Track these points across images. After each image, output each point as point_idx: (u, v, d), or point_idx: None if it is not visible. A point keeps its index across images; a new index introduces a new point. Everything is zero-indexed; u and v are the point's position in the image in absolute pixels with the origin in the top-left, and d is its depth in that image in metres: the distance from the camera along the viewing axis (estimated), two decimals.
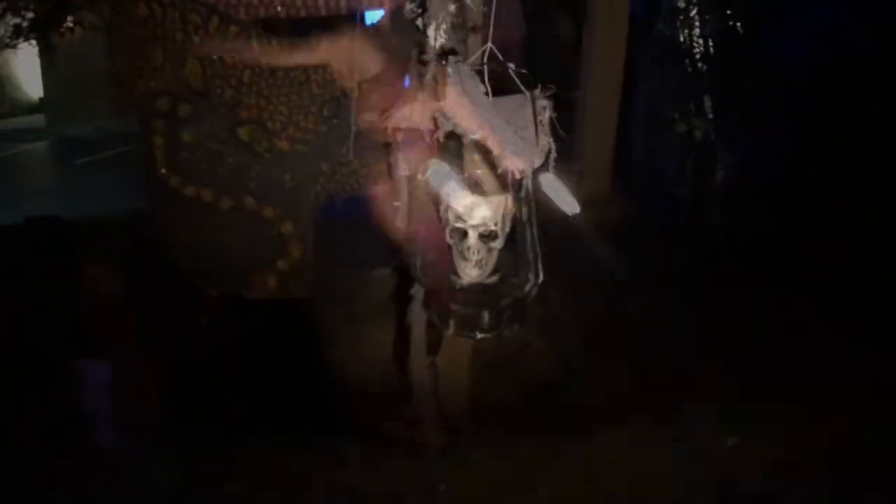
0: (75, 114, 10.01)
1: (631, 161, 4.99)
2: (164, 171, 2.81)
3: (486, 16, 2.38)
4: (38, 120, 11.27)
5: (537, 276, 1.99)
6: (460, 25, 2.13)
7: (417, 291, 2.04)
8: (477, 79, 1.82)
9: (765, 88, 4.93)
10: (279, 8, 2.71)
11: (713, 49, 4.49)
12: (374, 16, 2.81)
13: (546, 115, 1.92)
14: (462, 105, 1.78)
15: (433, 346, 2.38)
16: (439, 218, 1.97)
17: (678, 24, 4.47)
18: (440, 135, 1.91)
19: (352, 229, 2.97)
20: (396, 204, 2.45)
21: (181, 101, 2.76)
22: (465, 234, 1.91)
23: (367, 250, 3.08)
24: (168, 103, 2.75)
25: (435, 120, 1.93)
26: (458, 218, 1.91)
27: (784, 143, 4.85)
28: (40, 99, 11.75)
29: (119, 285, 3.14)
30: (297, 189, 2.89)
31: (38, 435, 2.77)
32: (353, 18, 2.75)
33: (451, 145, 1.87)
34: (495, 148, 1.82)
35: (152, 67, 2.71)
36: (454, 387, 2.48)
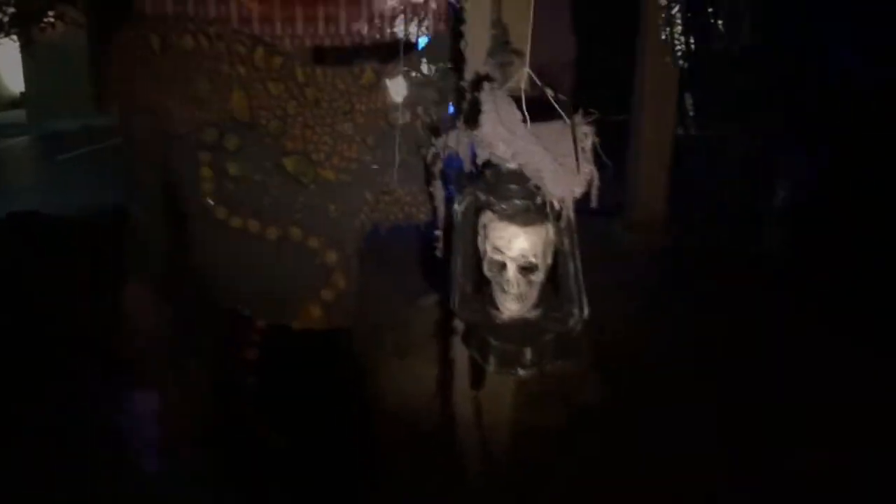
0: (57, 109, 10.07)
1: (684, 183, 4.84)
2: (210, 202, 2.82)
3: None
4: (20, 115, 11.35)
5: (582, 310, 1.88)
6: (501, 49, 2.07)
7: (459, 325, 1.96)
8: (514, 105, 1.75)
9: (828, 105, 4.73)
10: (324, 38, 2.70)
11: (772, 63, 4.33)
12: (419, 42, 2.78)
13: (588, 142, 1.83)
14: (498, 133, 1.71)
15: (476, 381, 2.29)
16: (476, 249, 1.89)
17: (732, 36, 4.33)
18: (478, 163, 1.85)
19: (396, 258, 2.93)
20: (437, 233, 2.39)
21: (227, 132, 2.77)
22: (503, 266, 1.83)
23: (411, 280, 3.03)
24: (214, 134, 2.77)
25: (473, 148, 1.87)
26: (496, 249, 1.83)
27: (848, 162, 4.64)
28: (21, 94, 11.86)
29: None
30: (341, 219, 2.86)
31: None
32: (397, 45, 2.74)
33: (489, 174, 1.80)
34: (534, 177, 1.74)
35: (199, 99, 2.73)
36: (498, 421, 2.38)
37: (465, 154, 2.00)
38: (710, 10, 4.25)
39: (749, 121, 4.54)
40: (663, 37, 4.27)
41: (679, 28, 3.80)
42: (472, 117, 1.85)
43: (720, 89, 4.81)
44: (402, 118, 2.74)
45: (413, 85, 2.71)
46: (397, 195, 2.83)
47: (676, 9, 2.93)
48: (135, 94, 2.73)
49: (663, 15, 3.09)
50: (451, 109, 2.56)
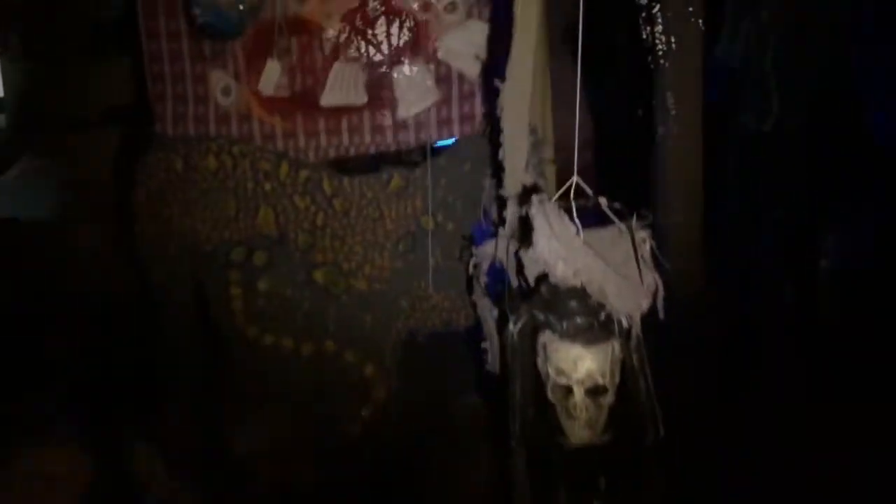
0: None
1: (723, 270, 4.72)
2: (241, 322, 2.75)
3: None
4: None
5: (657, 431, 1.75)
6: (538, 154, 2.01)
7: (519, 452, 1.82)
8: (565, 217, 1.68)
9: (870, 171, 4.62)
10: (349, 147, 2.66)
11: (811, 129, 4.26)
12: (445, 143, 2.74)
13: (647, 248, 1.74)
14: (554, 251, 1.63)
15: None
16: (537, 371, 1.78)
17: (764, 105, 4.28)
18: (530, 279, 1.76)
19: (436, 366, 2.82)
20: (484, 345, 2.29)
21: (255, 249, 2.72)
22: (569, 390, 1.71)
23: (452, 385, 2.90)
24: (243, 252, 2.72)
25: (520, 260, 1.78)
26: (560, 372, 1.71)
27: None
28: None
29: None
30: (377, 329, 2.77)
31: None
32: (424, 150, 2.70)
33: (545, 290, 1.71)
34: (597, 294, 1.64)
35: (225, 218, 2.69)
36: None
37: (512, 267, 1.91)
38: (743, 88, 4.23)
39: (787, 197, 4.45)
40: (644, 36, 4.15)
41: (660, 27, 3.71)
42: (524, 235, 1.76)
43: (753, 168, 4.73)
44: (434, 222, 2.68)
45: (444, 187, 2.66)
46: (434, 301, 2.74)
47: (657, 8, 2.87)
48: (160, 215, 2.69)
49: (643, 14, 3.03)
50: (484, 222, 2.50)
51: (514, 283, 1.91)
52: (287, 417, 2.78)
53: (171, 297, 2.76)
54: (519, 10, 1.93)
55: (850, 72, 4.25)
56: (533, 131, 2.04)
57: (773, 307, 4.47)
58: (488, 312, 2.24)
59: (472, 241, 2.47)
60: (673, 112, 3.32)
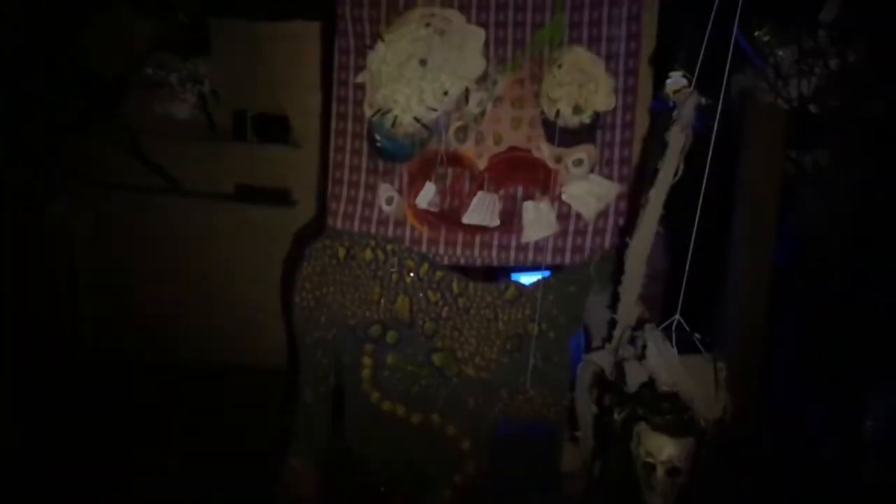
0: None
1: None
2: (367, 387, 3.32)
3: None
4: None
5: None
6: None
7: None
8: (669, 342, 2.25)
9: None
10: (478, 259, 3.29)
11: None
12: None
13: (723, 376, 2.29)
14: (660, 365, 2.20)
15: None
16: (630, 451, 2.31)
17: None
18: (633, 385, 2.31)
19: (525, 452, 3.31)
20: (577, 434, 2.80)
21: (389, 328, 3.31)
22: (653, 468, 2.23)
23: (537, 473, 3.38)
24: (379, 330, 3.31)
25: (622, 370, 2.33)
26: (649, 454, 2.24)
27: None
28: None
29: None
30: (477, 411, 3.30)
31: None
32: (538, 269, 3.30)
33: (646, 393, 2.25)
34: (686, 399, 2.19)
35: (370, 301, 3.31)
36: None
37: (618, 374, 2.47)
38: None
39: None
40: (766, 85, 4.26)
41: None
42: (641, 351, 2.35)
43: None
44: (538, 329, 3.26)
45: (550, 302, 3.25)
46: (529, 395, 3.27)
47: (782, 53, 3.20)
48: (318, 290, 3.33)
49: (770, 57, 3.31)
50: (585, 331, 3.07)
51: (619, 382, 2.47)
52: (392, 473, 3.30)
53: (313, 355, 3.36)
54: (656, 184, 2.57)
55: None
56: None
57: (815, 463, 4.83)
58: (587, 407, 2.77)
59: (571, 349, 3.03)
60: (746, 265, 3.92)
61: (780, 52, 3.41)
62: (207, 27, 5.98)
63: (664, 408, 2.25)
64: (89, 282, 6.11)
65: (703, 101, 2.60)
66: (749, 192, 5.27)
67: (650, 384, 2.30)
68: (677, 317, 2.33)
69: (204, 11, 5.99)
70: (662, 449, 2.24)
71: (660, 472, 2.24)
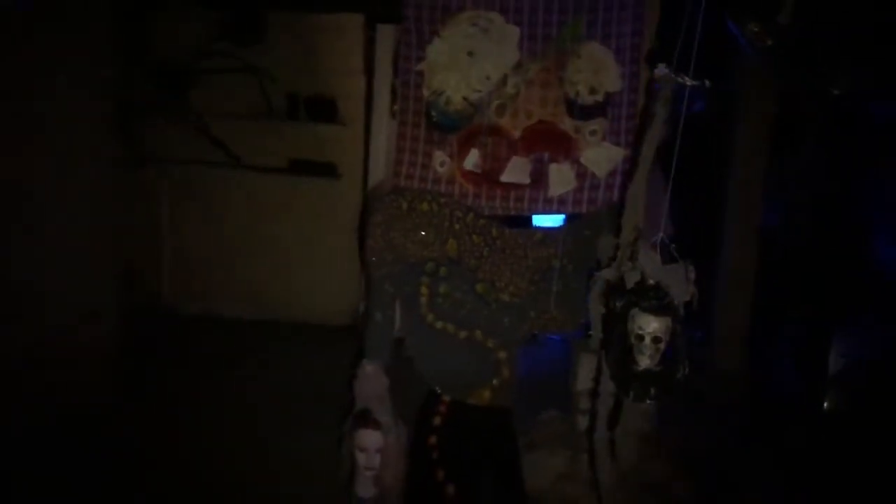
0: None
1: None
2: (424, 311, 4.20)
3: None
4: None
5: (684, 367, 3.22)
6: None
7: (612, 372, 3.32)
8: (654, 251, 3.19)
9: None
10: (513, 209, 4.17)
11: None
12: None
13: (692, 275, 3.25)
14: (647, 268, 3.15)
15: (613, 421, 3.57)
16: (626, 330, 3.25)
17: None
18: (629, 284, 3.28)
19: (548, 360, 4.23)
20: (591, 333, 3.71)
21: (441, 265, 4.16)
22: (642, 338, 3.19)
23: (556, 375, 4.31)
24: (433, 267, 4.15)
25: (622, 278, 3.30)
26: (639, 328, 3.19)
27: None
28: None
29: None
30: (511, 327, 4.17)
31: None
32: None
33: (636, 286, 3.21)
34: (665, 287, 3.15)
35: (426, 243, 4.17)
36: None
37: (618, 278, 3.42)
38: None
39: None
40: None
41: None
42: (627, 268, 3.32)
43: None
44: (560, 263, 4.14)
45: (570, 243, 4.14)
46: (553, 315, 4.15)
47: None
48: (386, 235, 4.19)
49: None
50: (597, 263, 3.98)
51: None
52: (443, 377, 4.20)
53: (382, 286, 4.24)
54: (645, 145, 3.48)
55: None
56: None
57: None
58: (597, 310, 3.69)
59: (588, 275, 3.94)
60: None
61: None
62: (264, 19, 6.90)
63: (650, 295, 3.21)
64: (170, 240, 7.03)
65: (690, 82, 3.49)
66: (739, 167, 6.21)
67: (641, 281, 3.24)
68: (661, 234, 3.26)
69: (260, 4, 6.91)
70: (649, 324, 3.21)
71: (647, 340, 3.22)
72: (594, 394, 3.80)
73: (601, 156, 4.00)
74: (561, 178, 4.07)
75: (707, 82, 3.47)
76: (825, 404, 5.80)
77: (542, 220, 4.31)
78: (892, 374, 5.55)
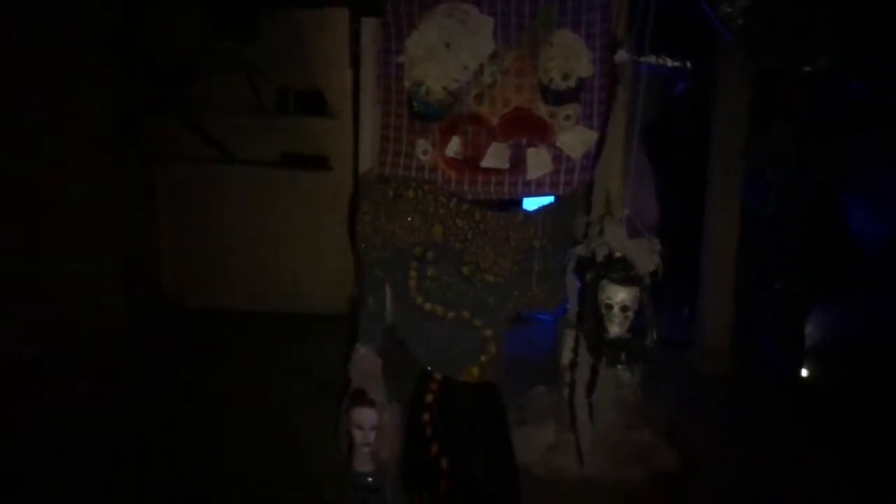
0: None
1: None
2: (413, 294, 4.39)
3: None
4: None
5: (653, 335, 3.44)
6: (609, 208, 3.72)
7: (588, 338, 3.54)
8: (624, 230, 3.40)
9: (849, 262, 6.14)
10: (494, 193, 4.35)
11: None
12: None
13: (658, 249, 3.46)
14: (615, 242, 3.36)
15: (590, 390, 3.79)
16: (597, 301, 3.46)
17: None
18: (598, 257, 3.50)
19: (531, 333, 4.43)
20: (568, 306, 3.92)
21: (428, 249, 4.33)
22: (611, 307, 3.41)
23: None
24: (420, 251, 4.32)
25: (594, 252, 3.50)
26: (609, 298, 3.42)
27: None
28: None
29: None
30: (496, 306, 4.35)
31: None
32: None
33: (604, 259, 3.43)
34: (632, 260, 3.35)
35: (413, 228, 4.35)
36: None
37: (590, 253, 3.63)
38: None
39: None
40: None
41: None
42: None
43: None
44: (540, 243, 4.33)
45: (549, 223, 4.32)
46: (534, 293, 4.33)
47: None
48: (375, 222, 4.37)
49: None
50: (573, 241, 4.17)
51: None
52: (433, 356, 4.40)
53: (372, 271, 4.43)
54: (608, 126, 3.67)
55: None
56: (607, 197, 3.76)
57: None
58: (573, 283, 3.89)
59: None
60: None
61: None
62: (255, 15, 7.06)
63: (618, 267, 3.45)
64: (169, 235, 7.23)
65: (671, 63, 3.71)
66: (719, 150, 6.41)
67: (609, 254, 3.46)
68: (626, 211, 3.46)
69: (251, 1, 7.05)
70: (617, 294, 3.45)
71: (616, 309, 3.46)
72: (573, 364, 4.01)
73: (576, 139, 4.17)
74: (538, 161, 4.24)
75: (688, 63, 3.66)
76: (803, 374, 6.02)
77: (530, 203, 4.49)
78: (869, 346, 5.76)
